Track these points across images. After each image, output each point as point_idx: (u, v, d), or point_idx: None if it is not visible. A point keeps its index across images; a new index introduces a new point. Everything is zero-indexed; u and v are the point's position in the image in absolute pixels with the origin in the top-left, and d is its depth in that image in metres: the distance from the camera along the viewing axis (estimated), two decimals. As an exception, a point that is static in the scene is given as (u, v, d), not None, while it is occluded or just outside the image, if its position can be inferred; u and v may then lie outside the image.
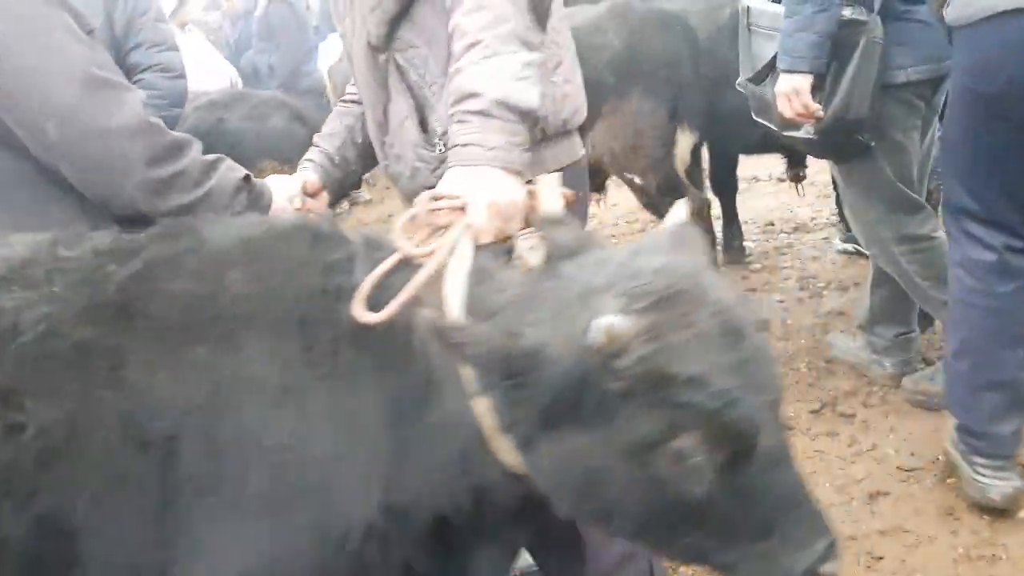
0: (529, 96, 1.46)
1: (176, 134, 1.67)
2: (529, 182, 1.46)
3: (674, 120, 3.38)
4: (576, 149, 1.88)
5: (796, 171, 4.32)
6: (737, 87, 3.03)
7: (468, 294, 1.21)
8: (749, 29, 2.92)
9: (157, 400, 1.19)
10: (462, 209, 1.34)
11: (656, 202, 3.55)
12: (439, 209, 1.35)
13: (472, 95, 1.45)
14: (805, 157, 4.19)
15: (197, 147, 1.68)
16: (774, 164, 5.75)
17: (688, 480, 1.07)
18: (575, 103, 1.85)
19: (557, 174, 1.47)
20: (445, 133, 1.64)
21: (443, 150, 1.70)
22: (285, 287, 1.26)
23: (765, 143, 3.54)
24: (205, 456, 1.19)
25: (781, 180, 5.98)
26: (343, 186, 2.06)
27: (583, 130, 1.94)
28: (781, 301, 4.13)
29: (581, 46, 1.97)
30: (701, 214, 3.63)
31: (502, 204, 1.35)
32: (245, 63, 7.35)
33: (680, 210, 1.30)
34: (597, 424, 1.08)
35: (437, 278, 1.23)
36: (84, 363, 1.22)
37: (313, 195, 1.95)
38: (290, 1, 7.22)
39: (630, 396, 1.06)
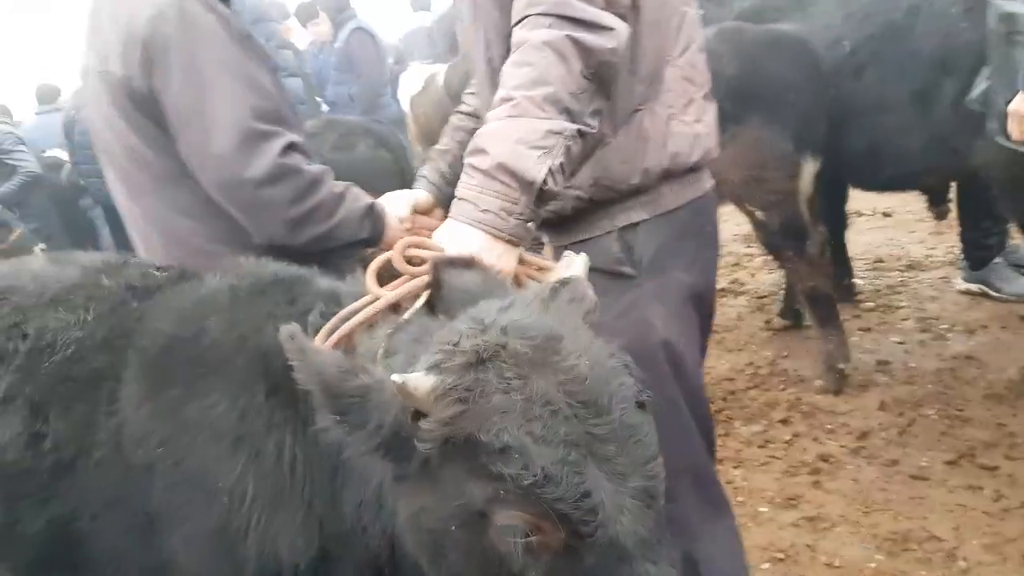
0: (534, 169, 1.37)
1: (312, 168, 1.78)
2: (541, 244, 1.46)
3: (799, 151, 3.22)
4: (703, 184, 1.82)
5: (940, 208, 4.08)
6: (968, 104, 2.85)
7: (390, 340, 1.22)
8: (1012, 39, 2.73)
9: (140, 430, 1.33)
10: None
11: (776, 240, 3.37)
12: (416, 256, 1.36)
13: (481, 151, 1.40)
14: (947, 193, 3.97)
15: (330, 177, 1.81)
16: (878, 198, 5.54)
17: (512, 560, 0.98)
18: (707, 143, 1.78)
19: (583, 257, 1.38)
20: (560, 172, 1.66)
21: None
22: (252, 338, 1.34)
23: (899, 179, 3.37)
24: (171, 488, 1.30)
25: (886, 215, 5.75)
26: None
27: None
28: (901, 343, 3.91)
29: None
30: (823, 252, 3.44)
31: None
32: (327, 93, 7.46)
33: (577, 264, 1.30)
34: (428, 483, 1.04)
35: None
36: (95, 389, 1.37)
37: (425, 212, 1.95)
38: (371, 32, 7.26)
39: (449, 458, 1.01)
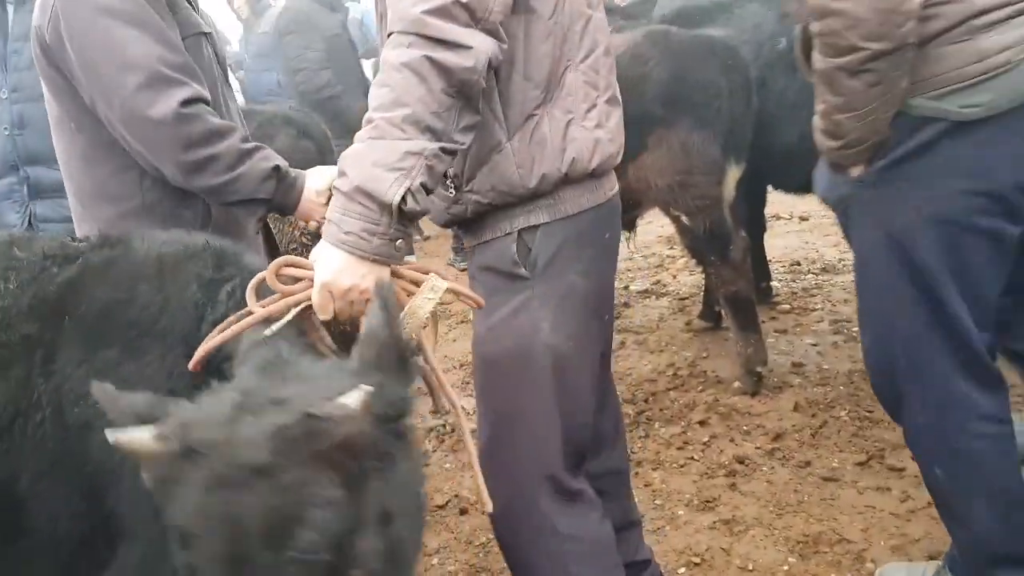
0: (390, 191, 1.40)
1: (218, 122, 1.92)
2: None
3: (725, 156, 3.25)
4: (604, 191, 1.82)
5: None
6: None
7: (244, 354, 1.34)
8: None
9: (77, 392, 1.39)
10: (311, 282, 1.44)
11: (701, 244, 3.40)
12: (290, 276, 1.46)
13: (343, 173, 1.45)
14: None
15: (237, 135, 1.93)
16: (795, 202, 5.68)
17: None
18: (608, 149, 1.78)
19: (443, 284, 1.47)
20: (457, 176, 1.75)
21: (453, 192, 1.77)
22: (177, 301, 1.45)
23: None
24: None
25: (803, 219, 5.91)
26: None
27: (621, 162, 1.89)
28: (815, 345, 4.01)
29: (620, 76, 1.88)
30: (745, 257, 3.49)
31: (336, 289, 1.42)
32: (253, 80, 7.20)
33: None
34: None
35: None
36: (28, 354, 1.44)
37: None
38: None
39: None
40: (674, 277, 5.27)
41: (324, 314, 1.44)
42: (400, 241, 1.45)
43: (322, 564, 1.06)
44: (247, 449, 1.08)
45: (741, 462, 3.14)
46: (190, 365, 1.38)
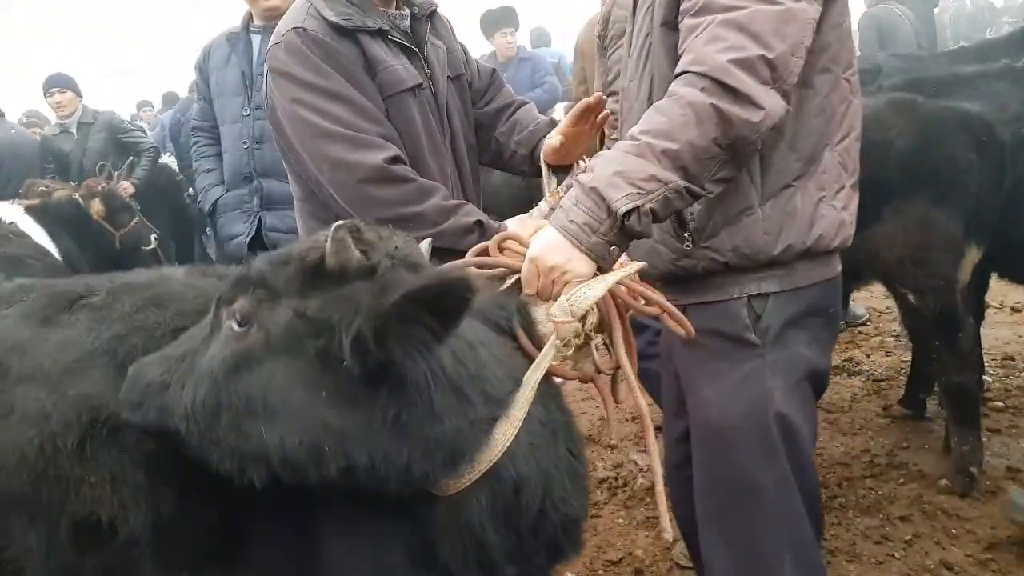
0: (619, 201, 1.45)
1: (424, 183, 2.06)
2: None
3: (967, 235, 3.01)
4: (835, 267, 1.85)
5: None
6: None
7: None
8: None
9: None
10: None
11: (926, 328, 3.15)
12: (510, 249, 1.60)
13: (590, 169, 1.53)
14: None
15: (439, 195, 2.06)
16: (1007, 291, 5.23)
17: None
18: (848, 231, 1.81)
19: (637, 264, 1.57)
20: (698, 231, 1.75)
21: (689, 246, 1.78)
22: None
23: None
24: None
25: (1016, 310, 5.44)
26: None
27: None
28: (1036, 451, 3.63)
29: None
30: (973, 347, 3.21)
31: (542, 264, 1.49)
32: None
33: None
34: None
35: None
36: None
37: None
38: None
39: None
40: (867, 356, 4.94)
41: (529, 288, 1.53)
42: (615, 248, 1.50)
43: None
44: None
45: (949, 568, 2.86)
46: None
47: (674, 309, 1.55)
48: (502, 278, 1.58)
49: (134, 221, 5.31)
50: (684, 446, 1.95)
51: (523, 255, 1.54)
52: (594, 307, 1.48)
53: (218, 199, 3.94)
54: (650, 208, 1.46)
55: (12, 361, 1.46)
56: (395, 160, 2.01)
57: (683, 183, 1.48)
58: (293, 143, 2.08)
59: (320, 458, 1.20)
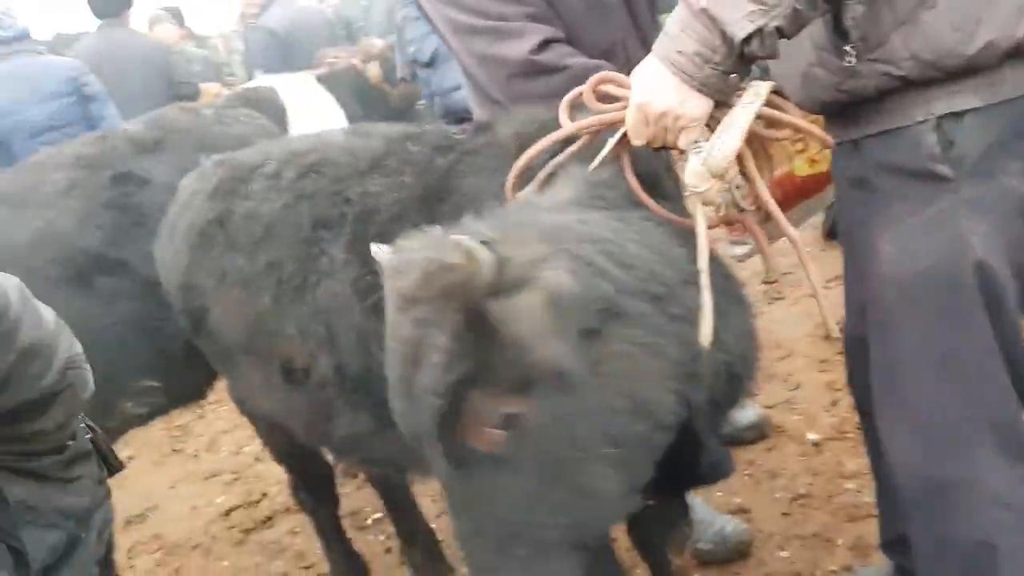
0: (738, 25, 1.18)
1: (581, 66, 1.74)
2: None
3: None
4: None
5: None
6: None
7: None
8: None
9: None
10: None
11: None
12: (607, 94, 1.34)
13: None
14: None
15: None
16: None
17: None
18: None
19: (768, 84, 1.28)
20: (862, 40, 1.38)
21: (853, 61, 1.41)
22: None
23: None
24: None
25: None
26: None
27: None
28: None
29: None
30: None
31: (652, 112, 1.27)
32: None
33: None
34: None
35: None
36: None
37: None
38: None
39: None
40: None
41: (638, 139, 1.31)
42: (734, 76, 1.25)
43: (436, 407, 1.06)
44: (407, 275, 1.08)
45: None
46: (507, 183, 1.38)
47: (807, 125, 1.34)
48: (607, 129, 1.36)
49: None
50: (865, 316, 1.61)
51: (625, 100, 1.32)
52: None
53: (436, 48, 3.67)
54: (776, 27, 1.19)
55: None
56: (543, 46, 1.75)
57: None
58: (443, 35, 1.90)
59: None
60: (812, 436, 2.84)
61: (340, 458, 2.05)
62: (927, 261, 1.42)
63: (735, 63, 1.22)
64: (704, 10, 1.20)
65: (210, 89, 5.51)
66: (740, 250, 1.66)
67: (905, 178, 1.43)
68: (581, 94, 1.36)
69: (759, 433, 2.86)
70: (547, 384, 1.07)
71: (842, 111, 1.50)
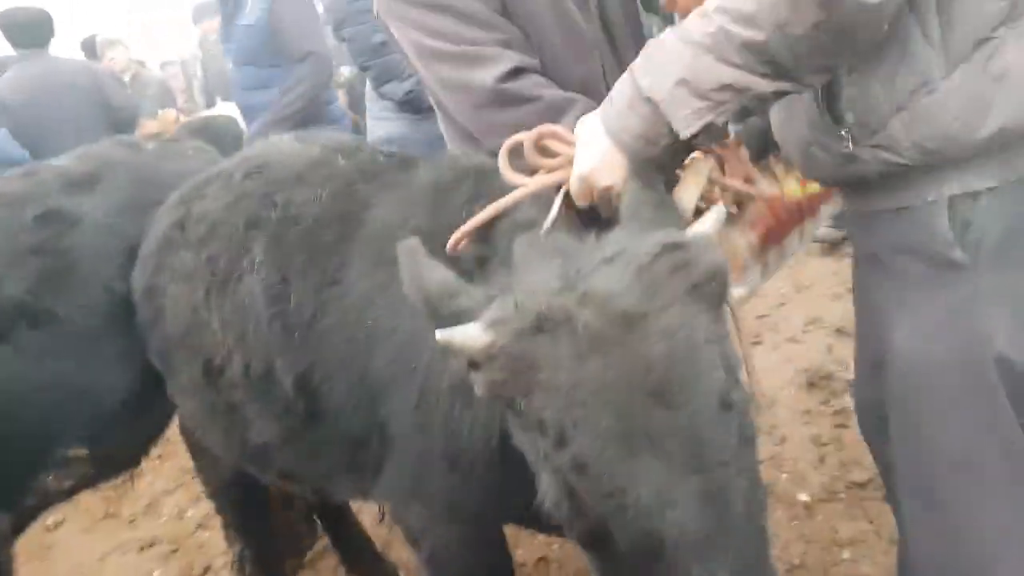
0: (684, 122, 1.18)
1: (554, 97, 1.64)
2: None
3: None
4: None
5: None
6: None
7: (512, 250, 1.23)
8: None
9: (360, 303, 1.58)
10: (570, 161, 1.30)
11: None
12: (548, 148, 1.34)
13: (649, 58, 1.22)
14: None
15: (576, 110, 1.62)
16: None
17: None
18: None
19: (708, 160, 1.30)
20: (858, 125, 1.30)
21: (850, 147, 1.32)
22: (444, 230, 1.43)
23: None
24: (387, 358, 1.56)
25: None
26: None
27: None
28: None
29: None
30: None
31: (595, 186, 1.27)
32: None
33: (709, 218, 1.16)
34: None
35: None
36: (320, 256, 1.60)
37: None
38: None
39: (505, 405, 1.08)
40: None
41: (581, 202, 1.31)
42: (680, 154, 1.26)
43: (730, 415, 0.97)
44: (613, 300, 0.97)
45: None
46: (449, 244, 1.33)
47: (750, 189, 1.39)
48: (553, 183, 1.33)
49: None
50: (880, 379, 1.49)
51: (568, 157, 1.30)
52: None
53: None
54: (725, 121, 1.19)
55: None
56: (514, 73, 1.61)
57: (769, 86, 1.15)
58: (411, 61, 1.76)
59: None
60: (802, 497, 2.66)
61: (258, 472, 1.94)
62: (945, 355, 1.32)
63: (683, 145, 1.21)
64: (649, 100, 1.19)
65: (168, 116, 5.32)
66: (739, 291, 1.53)
67: (919, 262, 1.34)
68: (522, 143, 1.35)
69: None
70: None
71: (851, 187, 1.44)
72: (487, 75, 1.59)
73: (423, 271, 1.10)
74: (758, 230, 1.54)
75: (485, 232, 1.35)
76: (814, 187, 1.73)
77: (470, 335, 1.00)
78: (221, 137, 3.44)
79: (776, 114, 1.50)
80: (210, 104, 5.55)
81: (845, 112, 1.30)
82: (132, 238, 2.04)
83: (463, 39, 1.62)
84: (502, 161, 1.35)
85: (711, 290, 1.00)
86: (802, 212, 1.73)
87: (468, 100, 1.65)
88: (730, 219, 1.35)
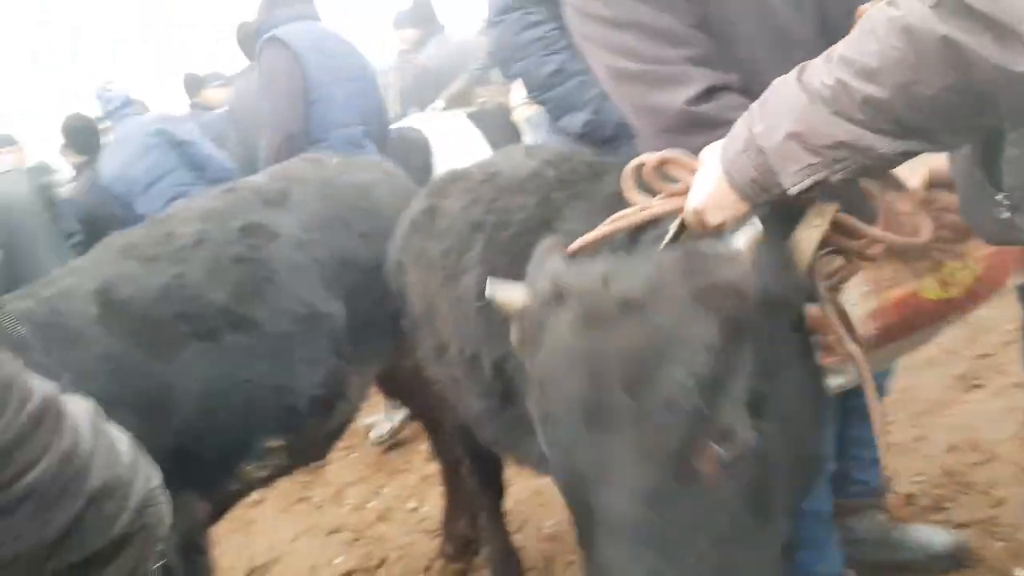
0: (790, 179, 1.11)
1: None
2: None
3: None
4: None
5: None
6: None
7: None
8: None
9: None
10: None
11: None
12: (669, 176, 1.35)
13: (764, 103, 1.16)
14: None
15: None
16: None
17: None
18: None
19: (830, 208, 1.23)
20: (1016, 191, 1.12)
21: (1007, 215, 1.15)
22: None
23: None
24: None
25: None
26: None
27: None
28: None
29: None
30: None
31: (707, 221, 1.24)
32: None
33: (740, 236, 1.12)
34: None
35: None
36: (517, 260, 1.53)
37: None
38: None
39: None
40: None
41: (697, 232, 1.29)
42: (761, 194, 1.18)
43: (680, 417, 0.97)
44: (619, 284, 1.05)
45: None
46: (568, 250, 1.34)
47: (885, 235, 1.28)
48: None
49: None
50: None
51: (687, 185, 1.29)
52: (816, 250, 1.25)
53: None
54: (838, 180, 1.09)
55: None
56: (707, 94, 1.49)
57: (896, 146, 1.02)
58: (602, 82, 1.69)
59: None
60: (1019, 573, 2.24)
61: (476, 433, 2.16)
62: None
63: (795, 198, 1.14)
64: (762, 149, 1.13)
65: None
66: (836, 381, 1.39)
67: None
68: (643, 166, 1.36)
69: (952, 562, 2.28)
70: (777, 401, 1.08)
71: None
72: (675, 97, 1.49)
73: (540, 266, 1.20)
74: (876, 321, 1.41)
75: (629, 243, 1.39)
76: (952, 292, 1.51)
77: (511, 294, 1.18)
78: (410, 147, 3.60)
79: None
80: (405, 114, 5.83)
81: (1005, 175, 1.13)
82: (318, 252, 2.28)
83: (646, 57, 1.52)
84: (626, 180, 1.38)
85: (721, 302, 1.02)
86: (933, 316, 1.51)
87: (654, 124, 1.56)
88: (849, 277, 1.30)
